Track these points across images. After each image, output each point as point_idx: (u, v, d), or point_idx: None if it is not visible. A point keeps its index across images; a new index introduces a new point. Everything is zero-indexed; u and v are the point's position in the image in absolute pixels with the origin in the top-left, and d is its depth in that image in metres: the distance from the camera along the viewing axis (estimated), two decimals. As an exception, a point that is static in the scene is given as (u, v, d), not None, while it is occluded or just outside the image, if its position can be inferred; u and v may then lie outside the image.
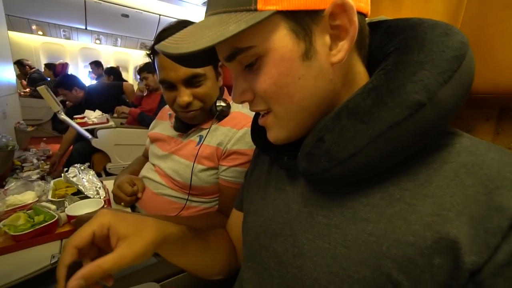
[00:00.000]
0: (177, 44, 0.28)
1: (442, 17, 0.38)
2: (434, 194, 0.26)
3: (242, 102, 0.35)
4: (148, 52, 0.74)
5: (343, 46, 0.29)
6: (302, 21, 0.28)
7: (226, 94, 0.81)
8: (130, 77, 5.21)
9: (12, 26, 3.82)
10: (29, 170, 1.76)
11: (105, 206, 0.71)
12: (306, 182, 0.36)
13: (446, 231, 0.24)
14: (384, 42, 0.31)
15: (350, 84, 0.32)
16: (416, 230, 0.26)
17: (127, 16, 4.03)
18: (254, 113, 0.47)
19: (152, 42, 0.70)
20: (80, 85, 2.38)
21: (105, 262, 0.31)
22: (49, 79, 3.82)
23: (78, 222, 0.61)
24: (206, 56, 0.36)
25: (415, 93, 0.25)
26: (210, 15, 0.30)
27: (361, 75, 0.33)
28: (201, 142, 0.75)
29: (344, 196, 0.31)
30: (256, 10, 0.27)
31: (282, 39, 0.28)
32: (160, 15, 4.15)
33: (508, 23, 0.32)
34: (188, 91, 0.69)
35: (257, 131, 0.44)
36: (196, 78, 0.69)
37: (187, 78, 0.68)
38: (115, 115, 2.44)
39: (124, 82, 2.90)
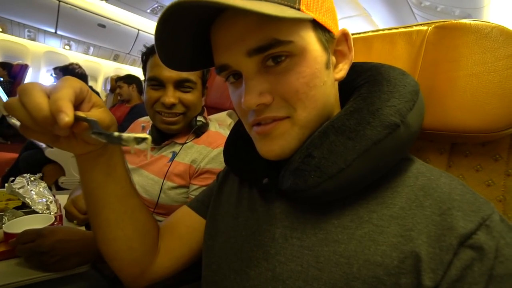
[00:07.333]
0: None
1: (404, 60, 0.44)
2: (398, 215, 0.28)
3: (257, 106, 0.30)
4: (143, 51, 0.73)
5: (343, 66, 0.34)
6: (325, 36, 0.31)
7: (205, 114, 0.82)
8: (99, 87, 4.96)
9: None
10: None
11: (55, 223, 0.63)
12: (281, 203, 0.36)
13: (410, 250, 0.26)
14: (353, 77, 0.36)
15: (336, 105, 0.36)
16: (383, 250, 0.27)
17: (103, 26, 3.92)
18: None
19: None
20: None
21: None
22: (1, 79, 3.47)
23: (22, 237, 0.53)
24: (202, 54, 0.35)
25: (391, 115, 0.29)
26: None
27: (338, 99, 0.37)
28: (174, 158, 0.72)
29: (317, 218, 0.32)
30: (299, 9, 0.28)
31: (315, 44, 0.30)
32: (138, 30, 4.11)
33: (454, 73, 0.38)
34: (176, 94, 0.70)
35: (231, 152, 0.43)
36: (188, 83, 0.70)
37: (179, 80, 0.68)
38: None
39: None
